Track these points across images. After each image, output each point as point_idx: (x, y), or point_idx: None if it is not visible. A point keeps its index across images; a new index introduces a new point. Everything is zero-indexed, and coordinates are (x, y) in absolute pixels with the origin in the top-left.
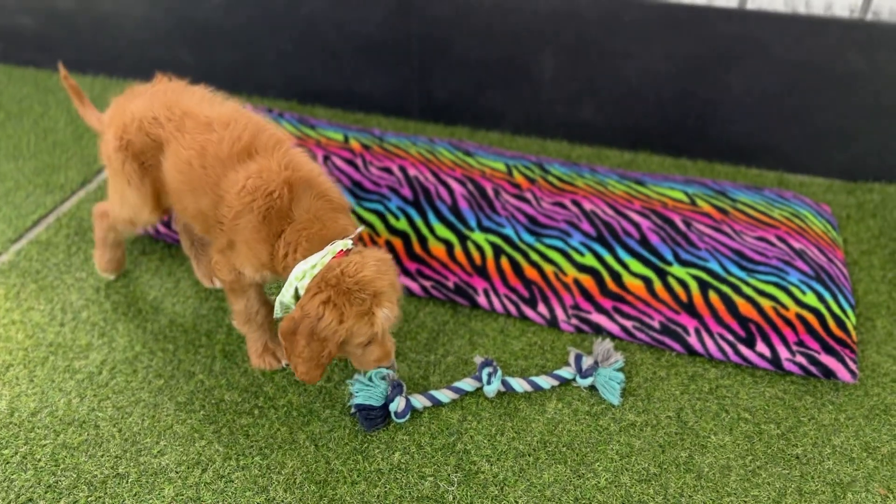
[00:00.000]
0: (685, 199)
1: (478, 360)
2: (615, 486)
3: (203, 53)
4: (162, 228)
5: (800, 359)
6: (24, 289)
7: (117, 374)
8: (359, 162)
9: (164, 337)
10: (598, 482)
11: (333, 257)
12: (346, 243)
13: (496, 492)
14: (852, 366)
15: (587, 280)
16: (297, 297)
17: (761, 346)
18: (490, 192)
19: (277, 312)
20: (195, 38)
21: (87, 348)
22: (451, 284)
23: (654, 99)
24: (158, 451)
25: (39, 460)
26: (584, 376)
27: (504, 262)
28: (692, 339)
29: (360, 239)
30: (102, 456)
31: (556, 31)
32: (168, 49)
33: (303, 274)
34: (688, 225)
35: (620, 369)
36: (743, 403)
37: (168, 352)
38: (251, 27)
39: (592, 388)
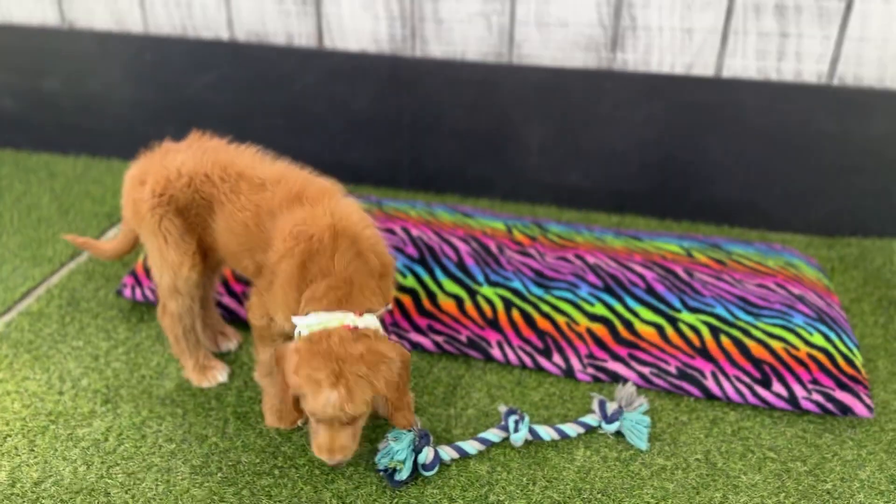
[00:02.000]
0: (682, 251)
1: (502, 408)
2: None
3: (191, 130)
4: None
5: (816, 396)
6: (17, 359)
7: (125, 441)
8: None
9: (172, 401)
10: None
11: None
12: (354, 320)
13: None
14: (868, 401)
15: (600, 329)
16: None
17: (777, 387)
18: (494, 249)
19: None
20: (183, 116)
21: (90, 416)
22: (463, 338)
23: (637, 163)
24: None
25: None
26: (609, 422)
27: (515, 314)
28: (709, 383)
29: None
30: None
31: (542, 102)
32: (155, 127)
33: (306, 325)
34: (690, 274)
35: (645, 412)
36: (766, 443)
37: (177, 416)
38: (240, 104)
39: (617, 433)
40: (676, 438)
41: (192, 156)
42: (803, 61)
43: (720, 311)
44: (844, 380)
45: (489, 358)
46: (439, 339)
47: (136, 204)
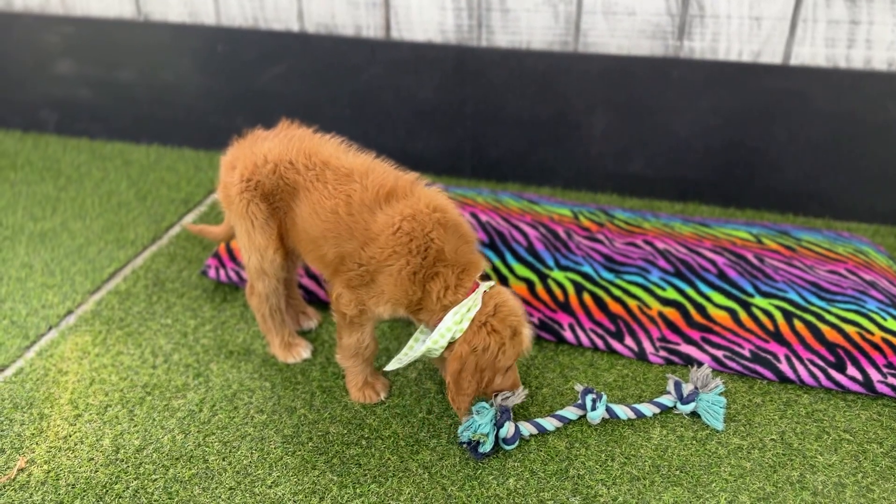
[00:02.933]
0: (752, 238)
1: (578, 387)
2: None
3: (260, 121)
4: (246, 275)
5: (892, 380)
6: (110, 335)
7: (218, 412)
8: None
9: (260, 376)
10: (719, 502)
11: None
12: (489, 285)
13: None
14: None
15: (672, 313)
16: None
17: (852, 370)
18: (563, 234)
19: (417, 355)
20: (253, 107)
21: (184, 388)
22: (535, 320)
23: (701, 150)
24: (272, 482)
25: (152, 494)
26: (685, 402)
27: (587, 297)
28: (783, 366)
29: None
30: (217, 488)
31: (606, 90)
32: (225, 117)
33: (460, 318)
34: (761, 260)
35: (721, 394)
36: (841, 426)
37: (266, 389)
38: (309, 94)
39: (693, 414)
40: (751, 419)
41: (279, 143)
42: (873, 48)
43: (793, 295)
44: None
45: (561, 340)
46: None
47: (226, 188)
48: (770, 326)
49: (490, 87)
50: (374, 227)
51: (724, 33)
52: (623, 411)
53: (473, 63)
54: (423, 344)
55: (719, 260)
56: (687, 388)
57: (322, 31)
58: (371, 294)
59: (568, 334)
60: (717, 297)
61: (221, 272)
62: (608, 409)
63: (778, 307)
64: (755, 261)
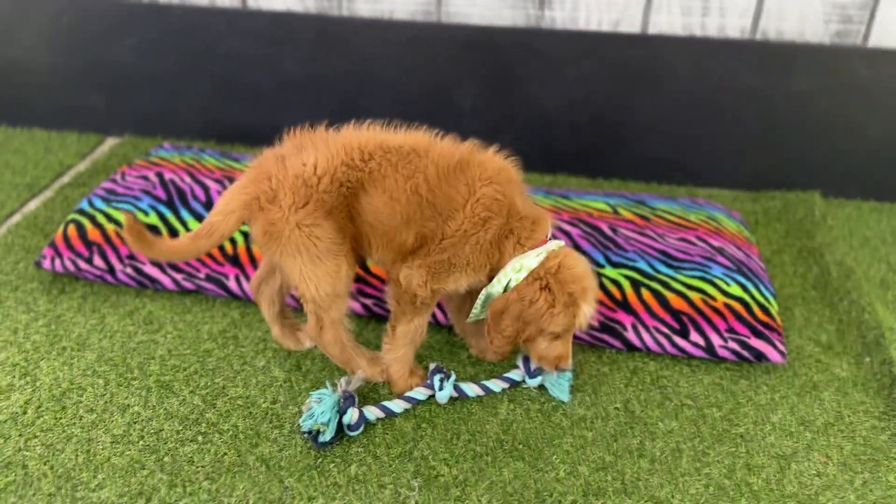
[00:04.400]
0: (608, 209)
1: (430, 366)
2: (574, 477)
3: (115, 98)
4: (83, 265)
5: (732, 344)
6: None
7: (44, 413)
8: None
9: (94, 373)
10: (557, 474)
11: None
12: (558, 243)
13: (458, 493)
14: (781, 347)
15: None
16: (505, 289)
17: (695, 336)
18: None
19: (477, 308)
20: (107, 83)
21: (8, 389)
22: None
23: (568, 123)
24: (97, 485)
25: None
26: (532, 376)
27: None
28: (630, 334)
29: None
30: (34, 495)
31: (473, 61)
32: (78, 94)
33: (520, 267)
34: (615, 231)
35: None
36: (684, 391)
37: (98, 387)
38: (165, 68)
39: (541, 387)
40: (597, 389)
41: (319, 152)
42: (727, 16)
43: (642, 265)
44: (759, 327)
45: None
46: (368, 302)
47: (272, 226)
48: (618, 296)
49: (358, 58)
50: (458, 199)
51: (583, 3)
52: (472, 389)
53: (336, 33)
54: (484, 294)
55: (574, 231)
56: (534, 363)
57: (174, 1)
58: (453, 270)
59: None
60: None
61: (57, 262)
62: (456, 388)
63: (627, 276)
64: (609, 231)
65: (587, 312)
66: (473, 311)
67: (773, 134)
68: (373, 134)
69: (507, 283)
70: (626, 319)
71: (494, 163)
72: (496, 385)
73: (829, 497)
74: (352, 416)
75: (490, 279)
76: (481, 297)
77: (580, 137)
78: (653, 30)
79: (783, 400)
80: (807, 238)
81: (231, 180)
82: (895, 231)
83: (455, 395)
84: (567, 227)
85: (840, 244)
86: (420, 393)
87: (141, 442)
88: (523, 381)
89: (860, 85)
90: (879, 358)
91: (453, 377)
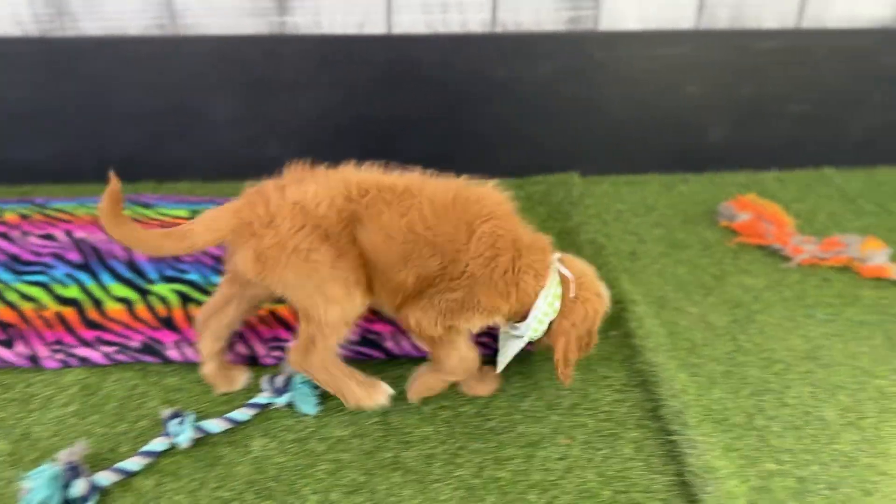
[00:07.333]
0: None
1: (164, 414)
2: None
3: None
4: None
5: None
6: None
7: None
8: (15, 234)
9: None
10: None
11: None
12: (557, 257)
13: None
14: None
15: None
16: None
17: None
18: None
19: (509, 358)
20: None
21: None
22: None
23: (331, 128)
24: None
25: None
26: (281, 394)
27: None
28: (389, 343)
29: None
30: None
31: (220, 73)
32: None
33: (552, 299)
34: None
35: None
36: (440, 393)
37: None
38: None
39: (291, 405)
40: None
41: (319, 184)
42: (466, 11)
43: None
44: None
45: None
46: (110, 350)
47: (267, 250)
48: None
49: (92, 81)
50: (460, 237)
51: (325, 7)
52: (216, 424)
53: (64, 56)
54: (522, 340)
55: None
56: (279, 379)
57: None
58: (465, 310)
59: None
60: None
61: None
62: (198, 428)
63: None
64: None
65: (606, 294)
66: (503, 360)
67: (527, 121)
68: (370, 174)
69: (550, 324)
70: (385, 329)
71: (491, 197)
72: (242, 414)
73: (571, 479)
74: (80, 487)
75: (512, 318)
76: (518, 345)
77: (346, 141)
78: (397, 29)
79: (533, 385)
80: (565, 219)
81: None
82: (646, 202)
83: (199, 435)
84: None
85: (594, 221)
86: (159, 444)
87: None
88: (272, 403)
89: (597, 66)
90: (622, 331)
91: (192, 417)
